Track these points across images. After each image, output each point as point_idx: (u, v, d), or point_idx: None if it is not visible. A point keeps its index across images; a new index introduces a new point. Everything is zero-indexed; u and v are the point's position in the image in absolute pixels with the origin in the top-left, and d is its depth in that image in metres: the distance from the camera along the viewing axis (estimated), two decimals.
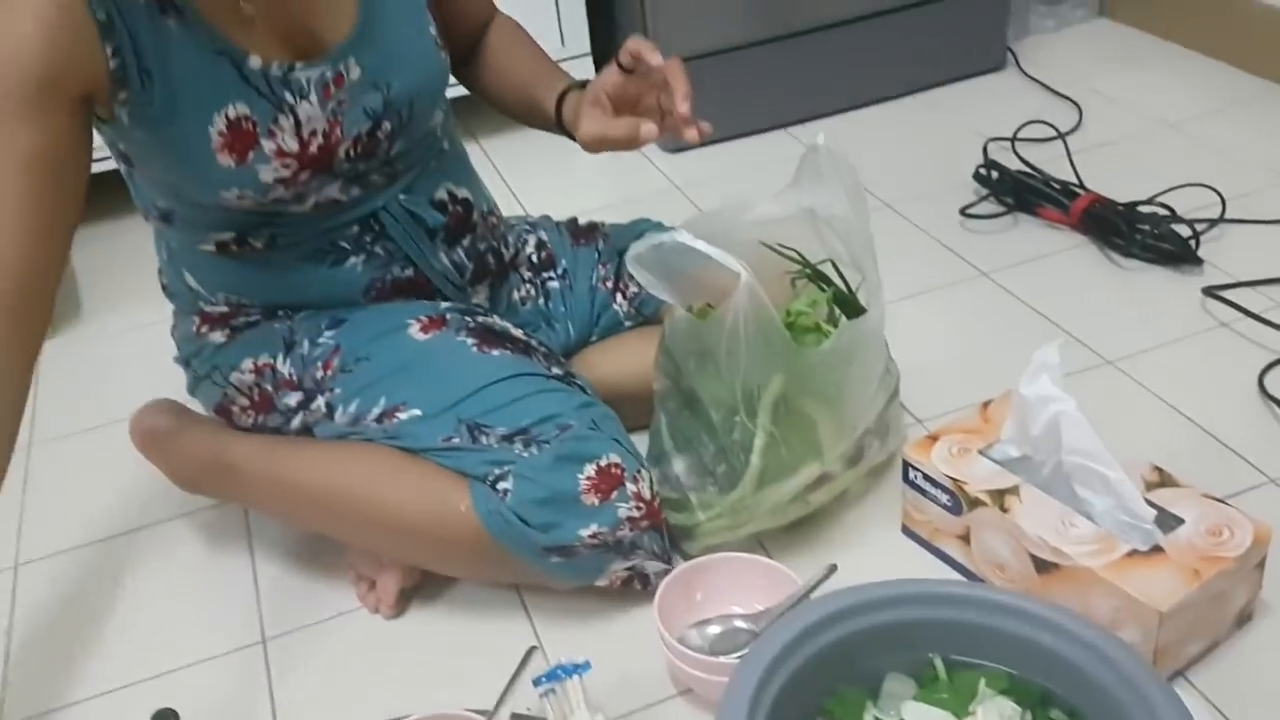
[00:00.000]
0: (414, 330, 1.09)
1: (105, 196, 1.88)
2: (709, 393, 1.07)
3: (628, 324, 1.27)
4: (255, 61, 0.96)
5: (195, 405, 1.20)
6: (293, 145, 0.99)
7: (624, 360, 1.23)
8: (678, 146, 1.93)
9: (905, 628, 0.80)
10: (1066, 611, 0.80)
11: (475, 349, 1.08)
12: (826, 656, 0.79)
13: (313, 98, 0.99)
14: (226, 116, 0.95)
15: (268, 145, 0.97)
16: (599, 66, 2.04)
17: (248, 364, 1.10)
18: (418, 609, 1.11)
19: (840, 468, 1.11)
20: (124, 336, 1.63)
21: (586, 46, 2.00)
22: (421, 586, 1.12)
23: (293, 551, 1.19)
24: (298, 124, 0.99)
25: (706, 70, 1.79)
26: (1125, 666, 0.75)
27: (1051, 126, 1.75)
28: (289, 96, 0.98)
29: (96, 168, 1.92)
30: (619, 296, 1.27)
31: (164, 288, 1.17)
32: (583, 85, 1.10)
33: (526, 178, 1.84)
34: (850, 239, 1.09)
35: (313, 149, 1.00)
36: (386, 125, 1.05)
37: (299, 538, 1.19)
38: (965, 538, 1.05)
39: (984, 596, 0.82)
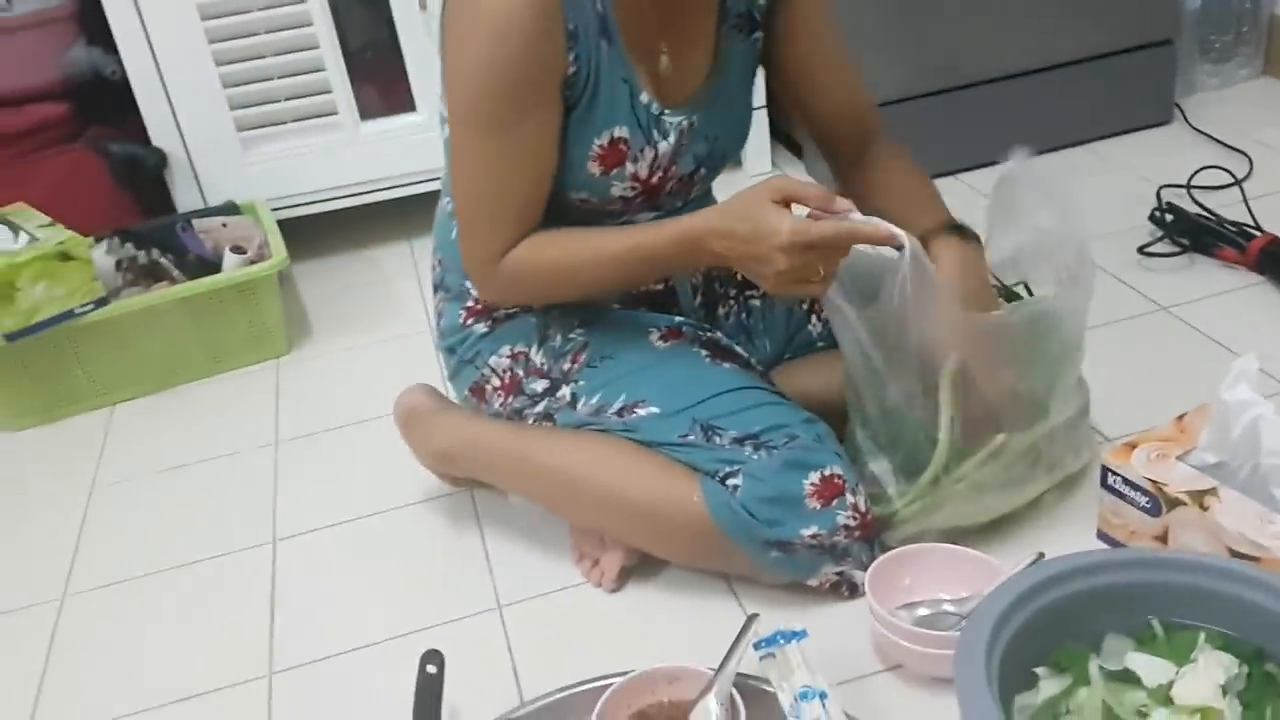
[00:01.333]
0: (654, 338, 1.21)
1: (328, 235, 2.10)
2: (891, 381, 1.12)
3: (820, 344, 1.36)
4: (645, 97, 1.13)
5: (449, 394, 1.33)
6: (644, 173, 1.15)
7: (818, 377, 1.31)
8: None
9: (1124, 590, 0.87)
10: (1277, 575, 0.86)
11: (708, 359, 1.19)
12: (1050, 615, 0.86)
13: (671, 139, 1.16)
14: (612, 135, 1.12)
15: (629, 168, 1.14)
16: (773, 122, 2.18)
17: (505, 349, 1.24)
18: (637, 586, 1.22)
19: (1030, 459, 1.16)
20: (348, 354, 1.80)
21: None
22: (640, 568, 1.22)
23: (520, 533, 1.31)
24: (655, 157, 1.15)
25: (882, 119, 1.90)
26: None
27: (1228, 172, 1.80)
28: (657, 134, 1.14)
29: (326, 206, 2.16)
30: (814, 318, 1.36)
31: (437, 281, 1.31)
32: (961, 231, 1.14)
33: None
34: (1062, 248, 1.15)
35: (654, 180, 1.16)
36: (702, 170, 1.22)
37: (523, 521, 1.31)
38: (1163, 538, 1.11)
39: (1199, 561, 0.88)
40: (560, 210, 1.16)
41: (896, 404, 1.13)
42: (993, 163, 2.05)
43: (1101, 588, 0.87)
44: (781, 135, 2.25)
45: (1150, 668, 0.83)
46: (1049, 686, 0.86)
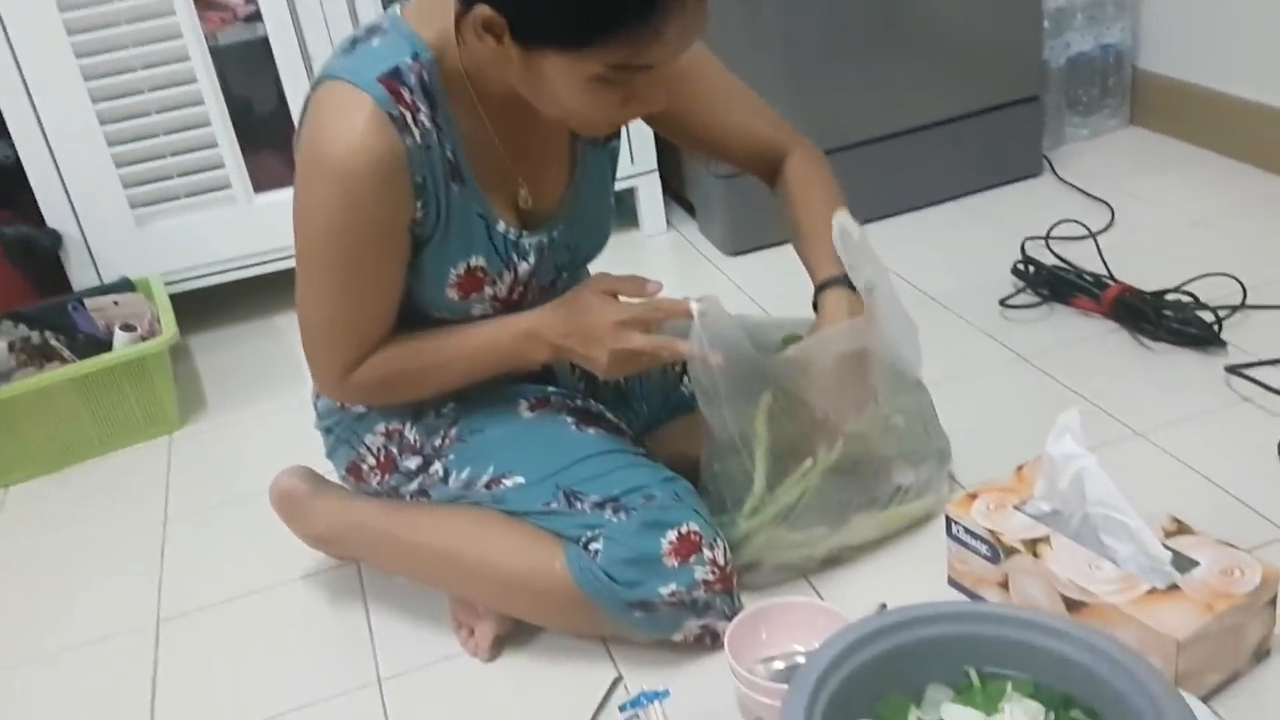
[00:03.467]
0: (523, 409, 1.25)
1: (225, 306, 2.12)
2: (717, 430, 1.21)
3: (693, 405, 1.41)
4: (501, 226, 1.18)
5: (328, 472, 1.37)
6: (504, 293, 1.20)
7: (692, 437, 1.37)
8: (737, 250, 2.11)
9: (945, 641, 0.92)
10: (1087, 627, 0.92)
11: (574, 426, 1.24)
12: (873, 669, 0.91)
13: (530, 259, 1.21)
14: (468, 264, 1.17)
15: (488, 290, 1.19)
16: (666, 182, 2.25)
17: (380, 427, 1.27)
18: (512, 653, 1.25)
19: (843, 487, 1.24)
20: (243, 428, 1.82)
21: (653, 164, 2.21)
22: (515, 635, 1.26)
23: (403, 605, 1.34)
24: (515, 278, 1.20)
25: (759, 181, 1.98)
26: (1137, 672, 0.86)
27: (1082, 225, 1.90)
28: (515, 257, 1.19)
29: (220, 279, 2.19)
30: (685, 379, 1.42)
31: None
32: (847, 285, 1.22)
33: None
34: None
35: (514, 296, 1.22)
36: (564, 275, 1.27)
37: (407, 593, 1.34)
38: (1004, 584, 1.17)
39: (1010, 614, 0.94)
40: (422, 322, 1.20)
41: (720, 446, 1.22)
42: (872, 219, 2.15)
43: (925, 639, 0.93)
44: (674, 194, 2.33)
45: (962, 717, 0.88)
46: None
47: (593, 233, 1.29)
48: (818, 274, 1.25)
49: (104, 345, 1.79)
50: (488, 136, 1.14)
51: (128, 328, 1.79)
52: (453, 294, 1.17)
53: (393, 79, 1.07)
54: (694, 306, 1.13)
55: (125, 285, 1.95)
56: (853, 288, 1.22)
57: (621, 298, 1.15)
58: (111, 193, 1.95)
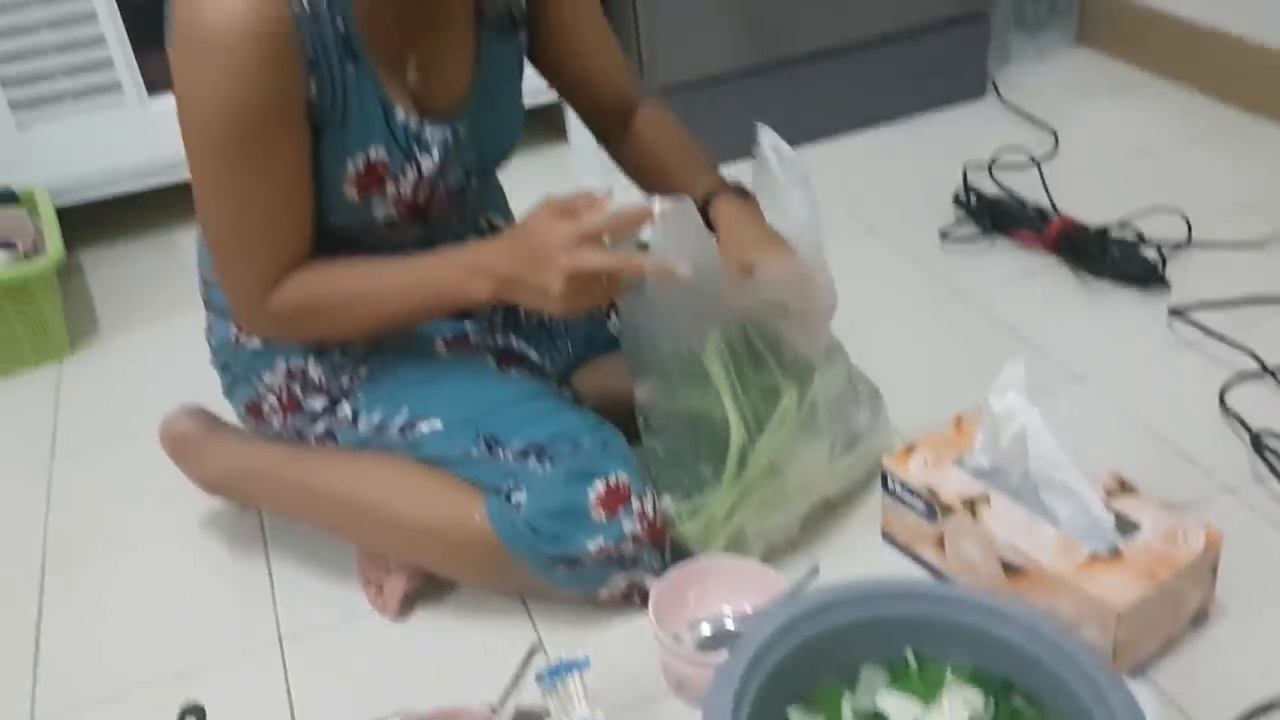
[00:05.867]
0: (439, 346, 1.16)
1: (118, 219, 1.97)
2: (658, 370, 1.10)
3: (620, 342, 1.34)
4: (400, 114, 1.06)
5: (225, 412, 1.27)
6: (408, 193, 1.09)
7: (618, 376, 1.29)
8: None
9: (881, 623, 0.87)
10: (1027, 608, 0.87)
11: (496, 367, 1.15)
12: (807, 649, 0.86)
13: (435, 154, 1.09)
14: (367, 157, 1.05)
15: (390, 189, 1.07)
16: None
17: (281, 365, 1.17)
18: (424, 612, 1.18)
19: (815, 417, 1.15)
20: (139, 352, 1.70)
21: None
22: (428, 591, 1.19)
23: (307, 556, 1.26)
24: (419, 176, 1.08)
25: (695, 98, 1.87)
26: (1080, 658, 0.82)
27: (1026, 153, 1.83)
28: (417, 150, 1.08)
29: (113, 190, 2.02)
30: (613, 315, 1.34)
31: (204, 298, 1.24)
32: (737, 190, 1.17)
33: (525, 197, 1.92)
34: (804, 235, 1.14)
35: (420, 198, 1.10)
36: (474, 180, 1.16)
37: (313, 543, 1.26)
38: (940, 543, 1.12)
39: (953, 594, 0.89)
40: (322, 240, 1.09)
41: (685, 400, 1.11)
42: (811, 140, 2.06)
43: (857, 621, 0.87)
44: None
45: (900, 707, 0.84)
46: None
47: (501, 130, 1.19)
48: (698, 189, 1.16)
49: None
50: (381, 9, 1.03)
51: (7, 245, 1.65)
52: (350, 191, 1.06)
53: None
54: (656, 207, 1.01)
55: (8, 196, 1.79)
56: (741, 195, 1.15)
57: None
58: None
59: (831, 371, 1.19)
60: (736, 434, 1.11)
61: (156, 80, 1.87)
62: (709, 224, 1.14)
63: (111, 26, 1.81)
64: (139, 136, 1.87)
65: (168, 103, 1.83)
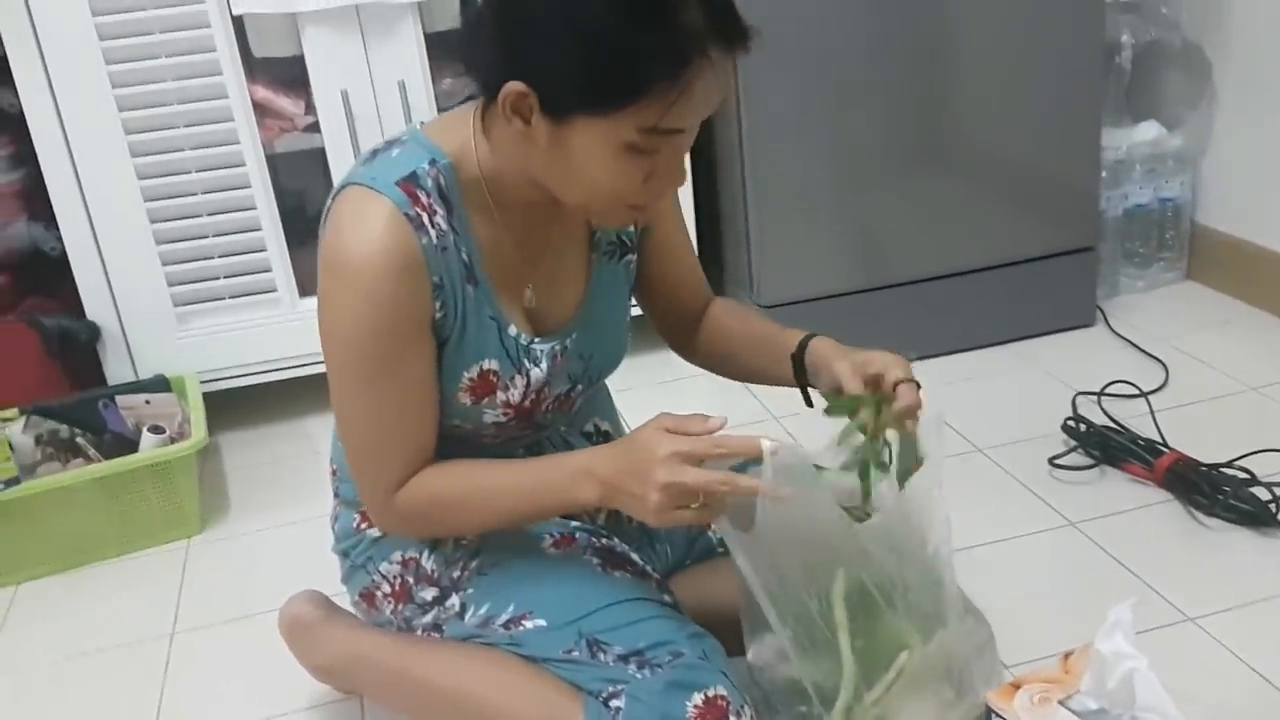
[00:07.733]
0: (546, 545, 1.21)
1: (257, 403, 2.10)
2: (781, 611, 1.09)
3: (720, 550, 1.35)
4: (513, 330, 1.16)
5: (342, 598, 1.32)
6: (517, 399, 1.17)
7: (719, 585, 1.31)
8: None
9: None
10: None
11: (600, 568, 1.19)
12: None
13: (543, 365, 1.18)
14: (481, 368, 1.14)
15: (500, 396, 1.16)
16: None
17: (396, 555, 1.23)
18: None
19: (937, 677, 1.12)
20: (264, 535, 1.78)
21: None
22: None
23: None
24: (528, 385, 1.17)
25: (807, 313, 1.95)
26: None
27: (1135, 386, 1.84)
28: (527, 363, 1.17)
29: (257, 379, 2.15)
30: (713, 524, 1.37)
31: (334, 489, 1.31)
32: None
33: (633, 402, 1.98)
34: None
35: (528, 403, 1.18)
36: (580, 387, 1.24)
37: None
38: None
39: None
40: (440, 440, 1.16)
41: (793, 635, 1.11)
42: (924, 357, 2.10)
43: None
44: None
45: None
46: None
47: (607, 345, 1.26)
48: (789, 338, 1.21)
49: (131, 445, 1.77)
50: (503, 241, 1.14)
51: (156, 429, 1.78)
52: (465, 398, 1.15)
53: (410, 183, 1.07)
54: (765, 445, 1.04)
55: (160, 382, 1.94)
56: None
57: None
58: (155, 289, 1.96)
59: (963, 628, 1.17)
60: (849, 679, 1.09)
61: (309, 283, 2.02)
62: (806, 366, 1.19)
63: (273, 235, 1.98)
64: (287, 332, 2.01)
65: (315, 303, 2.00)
